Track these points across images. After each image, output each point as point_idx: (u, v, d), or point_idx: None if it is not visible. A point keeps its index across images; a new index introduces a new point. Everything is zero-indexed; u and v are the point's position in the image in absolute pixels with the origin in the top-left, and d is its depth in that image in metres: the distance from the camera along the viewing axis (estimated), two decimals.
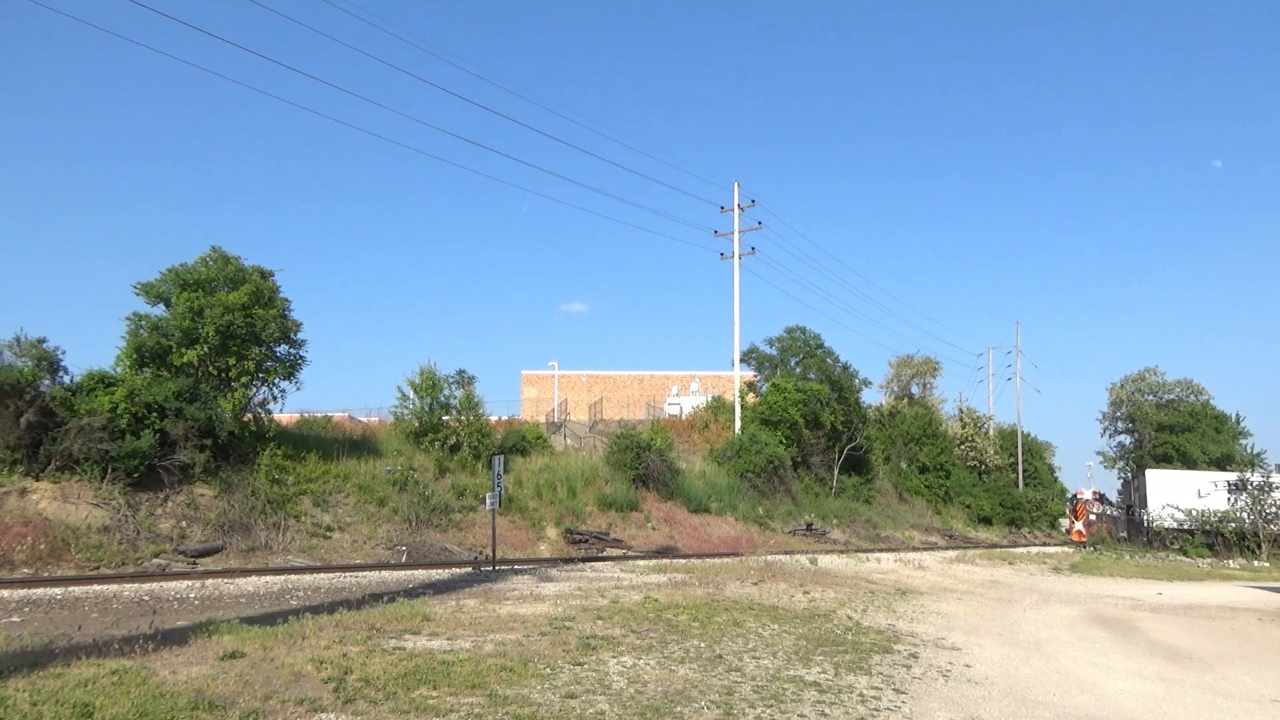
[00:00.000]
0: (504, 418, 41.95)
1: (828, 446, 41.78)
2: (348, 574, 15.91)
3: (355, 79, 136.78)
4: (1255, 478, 37.72)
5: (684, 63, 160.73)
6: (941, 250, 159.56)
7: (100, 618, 10.52)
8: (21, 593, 12.09)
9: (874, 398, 58.82)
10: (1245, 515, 36.55)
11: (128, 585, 13.07)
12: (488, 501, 20.25)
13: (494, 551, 19.85)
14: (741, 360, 41.17)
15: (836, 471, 42.07)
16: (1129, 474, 56.18)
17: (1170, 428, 61.09)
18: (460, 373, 28.74)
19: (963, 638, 12.02)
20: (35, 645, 8.28)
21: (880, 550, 30.64)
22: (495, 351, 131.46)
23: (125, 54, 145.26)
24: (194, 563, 16.96)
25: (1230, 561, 33.43)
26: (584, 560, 21.17)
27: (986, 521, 51.91)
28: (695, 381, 61.09)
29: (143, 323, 20.90)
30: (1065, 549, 39.21)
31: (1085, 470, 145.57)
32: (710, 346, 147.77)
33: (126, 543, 16.90)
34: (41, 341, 19.15)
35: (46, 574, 14.74)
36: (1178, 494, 38.67)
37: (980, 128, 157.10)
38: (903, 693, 8.23)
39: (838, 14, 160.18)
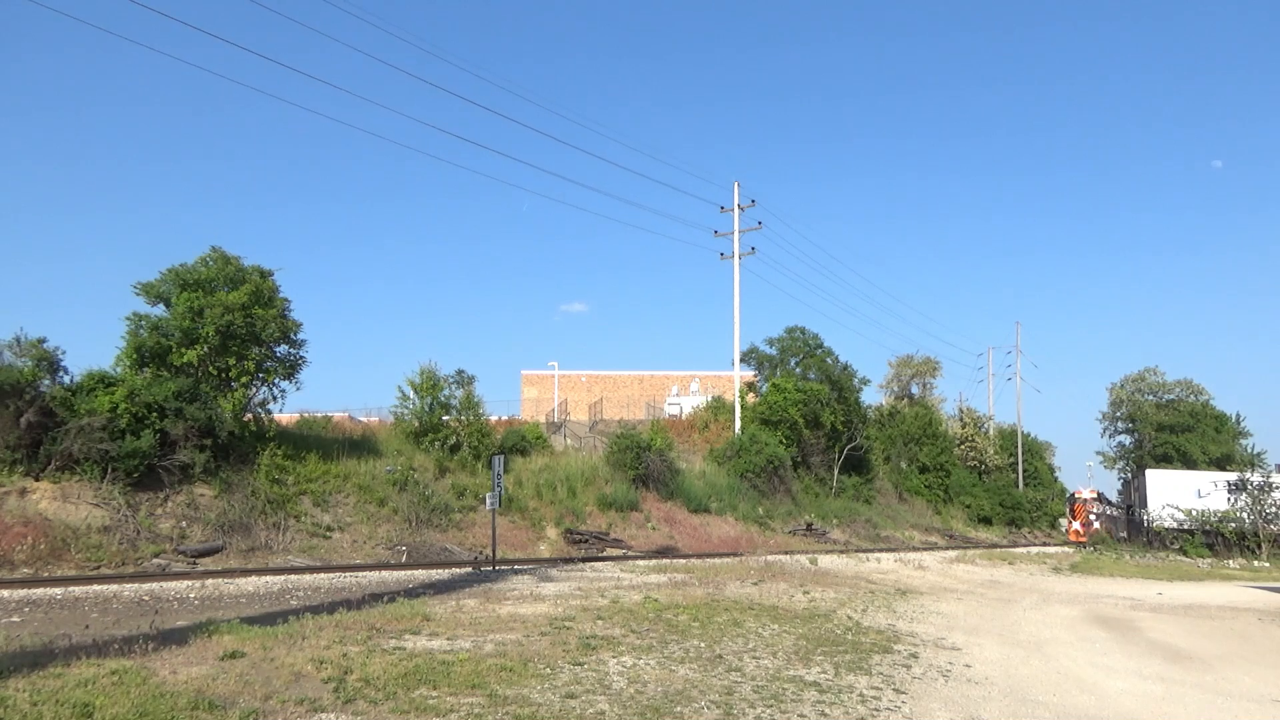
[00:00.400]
0: (504, 418, 41.95)
1: (828, 446, 41.78)
2: (348, 574, 15.91)
3: (355, 79, 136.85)
4: (1255, 478, 37.71)
5: (684, 63, 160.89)
6: (941, 250, 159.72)
7: (100, 618, 10.52)
8: (21, 593, 12.09)
9: (874, 398, 58.92)
10: (1245, 515, 36.54)
11: (128, 585, 13.07)
12: (488, 501, 20.26)
13: (494, 551, 19.86)
14: (741, 360, 41.19)
15: (836, 471, 42.08)
16: (1129, 474, 56.20)
17: (1170, 428, 61.09)
18: (460, 373, 28.76)
19: (963, 638, 12.02)
20: (35, 645, 8.28)
21: (880, 550, 30.64)
22: (495, 351, 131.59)
23: (125, 54, 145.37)
24: (194, 563, 16.96)
25: (1230, 561, 33.43)
26: (584, 560, 21.17)
27: (986, 521, 51.92)
28: (695, 381, 61.10)
29: (143, 323, 20.90)
30: (1065, 549, 39.21)
31: (1085, 470, 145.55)
32: (710, 346, 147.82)
33: (126, 543, 16.90)
34: (41, 341, 19.16)
35: (46, 574, 14.74)
36: (1178, 494, 38.66)
37: (980, 128, 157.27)
38: (903, 693, 8.23)
39: (838, 14, 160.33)
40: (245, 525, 18.94)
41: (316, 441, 24.32)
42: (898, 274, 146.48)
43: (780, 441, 36.94)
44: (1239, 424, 62.12)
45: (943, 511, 49.82)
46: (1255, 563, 33.25)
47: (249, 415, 21.90)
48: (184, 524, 18.36)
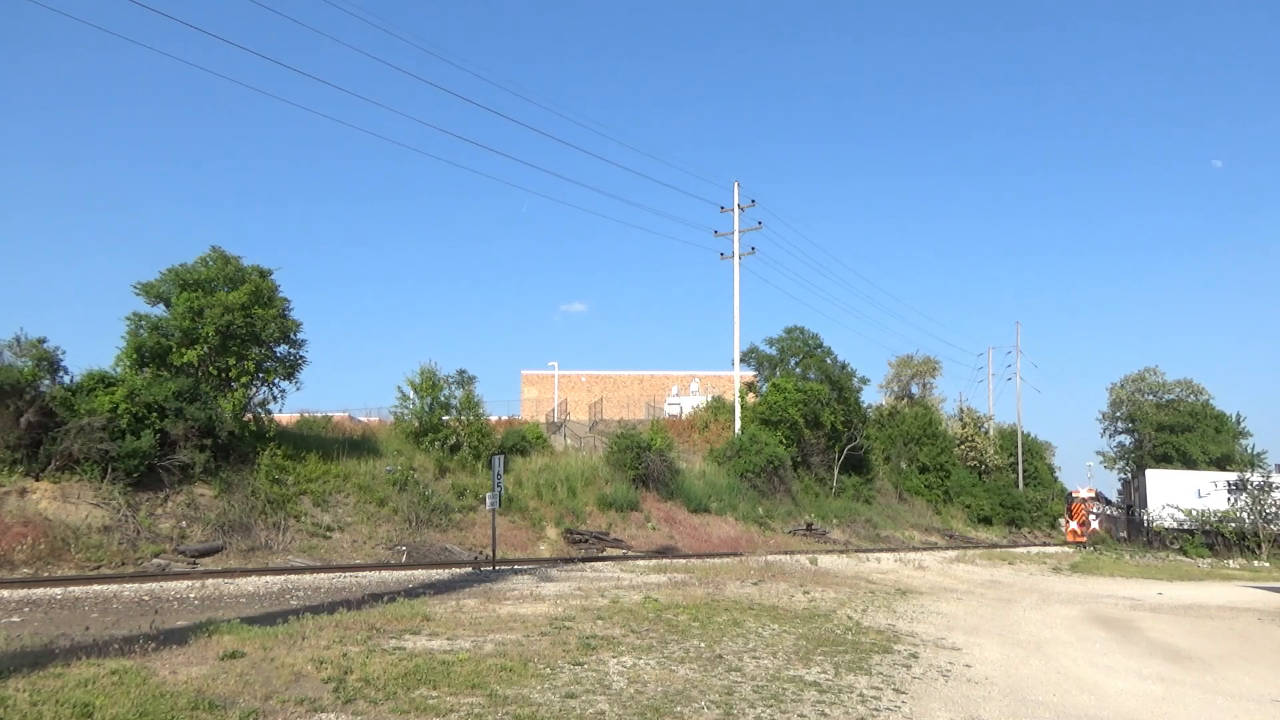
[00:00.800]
0: (504, 418, 41.94)
1: (828, 446, 41.79)
2: (348, 574, 15.91)
3: (355, 79, 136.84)
4: (1255, 478, 37.71)
5: (684, 63, 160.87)
6: (941, 250, 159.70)
7: (100, 618, 10.52)
8: (21, 593, 12.09)
9: (874, 397, 58.92)
10: (1245, 515, 36.53)
11: (128, 585, 13.07)
12: (488, 501, 20.26)
13: (494, 551, 19.86)
14: (741, 360, 41.19)
15: (836, 471, 42.08)
16: (1129, 474, 56.15)
17: (1170, 428, 61.06)
18: (460, 373, 28.74)
19: (963, 638, 12.02)
20: (35, 645, 8.28)
21: (880, 550, 30.64)
22: (495, 351, 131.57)
23: (125, 54, 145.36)
24: (194, 563, 16.96)
25: (1230, 561, 33.43)
26: (584, 560, 21.17)
27: (986, 521, 51.92)
28: (695, 381, 61.09)
29: (143, 323, 20.90)
30: (1065, 549, 39.21)
31: (1085, 470, 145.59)
32: (710, 346, 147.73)
33: (126, 543, 16.90)
34: (41, 341, 19.16)
35: (46, 574, 14.74)
36: (1178, 494, 38.66)
37: (980, 128, 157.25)
38: (903, 693, 8.23)
39: (838, 14, 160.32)
40: (245, 525, 18.94)
41: (316, 441, 24.32)
42: (898, 274, 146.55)
43: (780, 441, 36.94)
44: (1239, 424, 62.11)
45: (943, 511, 49.82)
46: (1255, 563, 33.24)
47: (249, 415, 21.90)
48: (184, 524, 18.36)
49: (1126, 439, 65.98)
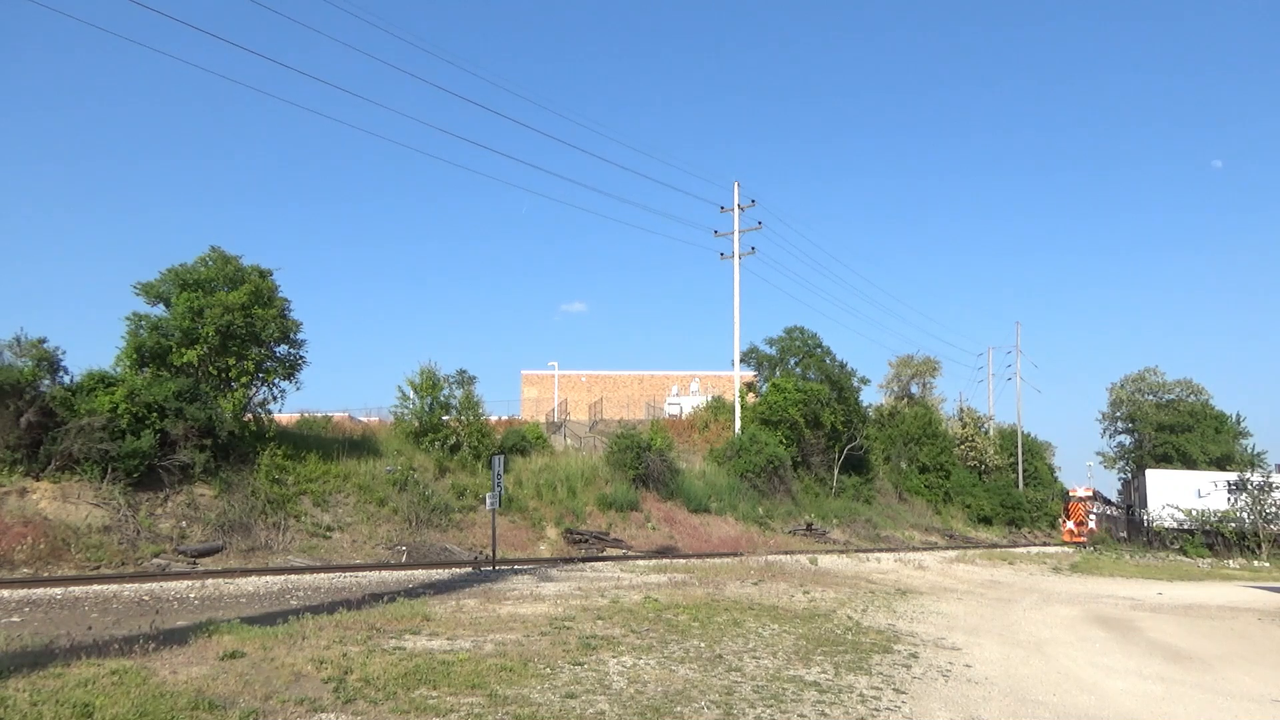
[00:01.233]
0: (504, 418, 41.95)
1: (828, 446, 41.79)
2: (348, 574, 15.91)
3: (355, 79, 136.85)
4: (1255, 478, 37.72)
5: (684, 63, 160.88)
6: (941, 250, 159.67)
7: (100, 618, 10.52)
8: (21, 593, 12.09)
9: (874, 397, 58.94)
10: (1245, 515, 36.55)
11: (128, 585, 13.07)
12: (488, 501, 20.26)
13: (494, 551, 19.86)
14: (741, 360, 41.20)
15: (836, 471, 42.08)
16: (1129, 474, 56.19)
17: (1170, 428, 61.07)
18: (460, 373, 28.74)
19: (963, 638, 12.02)
20: (35, 645, 8.28)
21: (880, 550, 30.64)
22: (495, 351, 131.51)
23: (125, 54, 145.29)
24: (194, 563, 16.96)
25: (1230, 561, 33.43)
26: (584, 560, 21.17)
27: (986, 521, 51.92)
28: (695, 381, 61.10)
29: (143, 323, 20.90)
30: (1065, 549, 39.21)
31: (1085, 470, 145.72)
32: (710, 346, 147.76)
33: (126, 543, 16.90)
34: (41, 341, 19.16)
35: (46, 574, 14.74)
36: (1178, 494, 38.66)
37: (980, 128, 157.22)
38: (903, 693, 8.23)
39: (838, 14, 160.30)
40: (245, 525, 18.94)
41: (316, 441, 24.32)
42: (898, 274, 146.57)
43: (780, 441, 36.94)
44: (1239, 424, 62.12)
45: (943, 511, 49.81)
46: (1255, 563, 33.25)
47: (249, 415, 21.90)
48: (184, 524, 18.36)
49: (1126, 439, 66.02)
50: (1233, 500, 37.43)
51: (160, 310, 21.41)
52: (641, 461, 30.16)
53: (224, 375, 21.45)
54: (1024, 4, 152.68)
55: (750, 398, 42.12)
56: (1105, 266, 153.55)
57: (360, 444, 25.36)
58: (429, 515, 22.73)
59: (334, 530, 20.82)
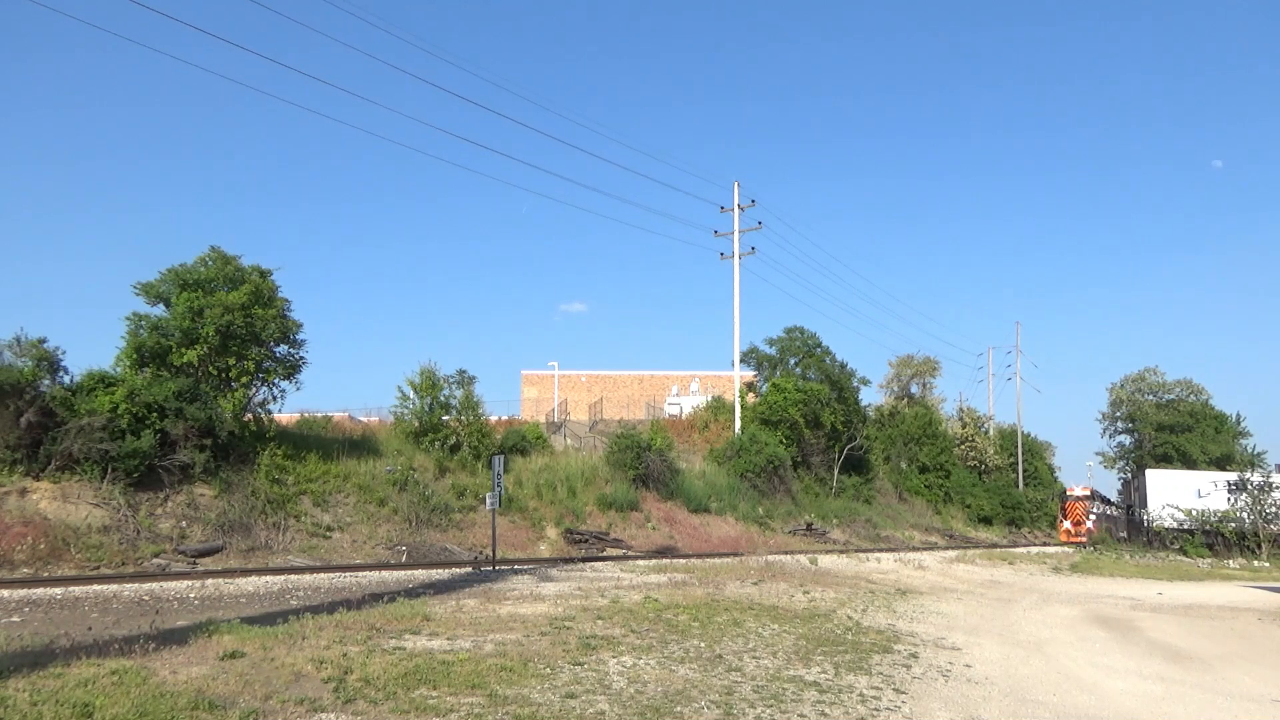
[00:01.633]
0: (504, 418, 41.95)
1: (828, 446, 41.79)
2: (348, 574, 15.91)
3: (355, 79, 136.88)
4: (1255, 478, 37.71)
5: (684, 63, 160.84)
6: (941, 250, 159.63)
7: (100, 618, 10.52)
8: (21, 593, 12.09)
9: (874, 397, 58.97)
10: (1245, 515, 36.53)
11: (128, 585, 13.07)
12: (488, 501, 20.26)
13: (494, 551, 19.86)
14: (741, 360, 41.20)
15: (836, 471, 42.08)
16: (1129, 474, 56.18)
17: (1170, 428, 61.09)
18: (460, 373, 28.74)
19: (963, 638, 12.02)
20: (35, 645, 8.28)
21: (880, 550, 30.64)
22: (495, 351, 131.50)
23: (125, 54, 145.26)
24: (194, 563, 16.96)
25: (1230, 561, 33.43)
26: (584, 560, 21.17)
27: (986, 521, 51.93)
28: (695, 381, 61.10)
29: (143, 323, 20.90)
30: (1065, 549, 39.21)
31: (1085, 470, 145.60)
32: (710, 346, 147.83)
33: (126, 543, 16.90)
34: (41, 341, 19.16)
35: (46, 574, 14.74)
36: (1178, 494, 38.66)
37: (980, 128, 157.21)
38: (903, 692, 8.23)
39: (838, 14, 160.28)
40: (245, 525, 18.94)
41: (316, 441, 24.32)
42: (898, 274, 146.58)
43: (780, 441, 36.94)
44: (1239, 424, 62.15)
45: (943, 511, 49.82)
46: (1255, 563, 33.24)
47: (249, 415, 21.90)
48: (184, 524, 18.36)
49: (1126, 439, 66.04)
50: (1233, 500, 37.42)
51: (160, 310, 21.41)
52: (641, 461, 30.16)
53: (224, 375, 21.45)
54: (1024, 4, 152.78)
55: (750, 398, 42.12)
56: (1105, 266, 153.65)
57: (360, 444, 25.36)
58: (429, 515, 22.73)
59: (334, 530, 20.82)
